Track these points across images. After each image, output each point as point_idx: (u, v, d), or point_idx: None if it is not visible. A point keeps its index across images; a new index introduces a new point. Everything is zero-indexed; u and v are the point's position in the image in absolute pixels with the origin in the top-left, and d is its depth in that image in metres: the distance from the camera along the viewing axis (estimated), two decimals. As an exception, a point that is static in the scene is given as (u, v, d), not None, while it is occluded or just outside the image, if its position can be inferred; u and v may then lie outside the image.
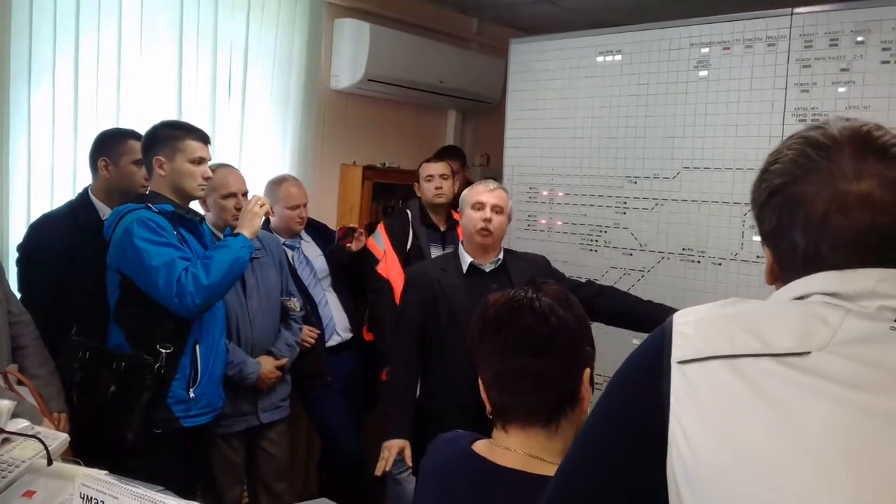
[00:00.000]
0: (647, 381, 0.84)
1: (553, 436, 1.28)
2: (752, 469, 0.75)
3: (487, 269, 2.71)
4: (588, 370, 1.31)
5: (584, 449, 0.92)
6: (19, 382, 2.27)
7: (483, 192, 2.70)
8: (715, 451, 0.77)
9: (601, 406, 0.91)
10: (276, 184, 3.28)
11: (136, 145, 2.62)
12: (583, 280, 3.00)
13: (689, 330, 0.84)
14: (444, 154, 3.98)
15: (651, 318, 2.59)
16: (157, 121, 2.59)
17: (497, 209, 2.68)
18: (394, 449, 2.54)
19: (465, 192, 2.79)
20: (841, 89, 2.73)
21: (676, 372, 0.82)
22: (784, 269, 0.89)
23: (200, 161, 2.50)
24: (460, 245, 2.79)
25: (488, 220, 2.64)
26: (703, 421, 0.78)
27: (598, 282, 3.20)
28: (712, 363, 0.80)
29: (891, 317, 0.78)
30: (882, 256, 0.82)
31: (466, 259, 2.72)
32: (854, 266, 0.82)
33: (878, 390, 0.74)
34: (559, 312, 1.30)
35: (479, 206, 2.67)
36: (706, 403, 0.79)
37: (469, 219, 2.69)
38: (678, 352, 0.82)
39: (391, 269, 3.39)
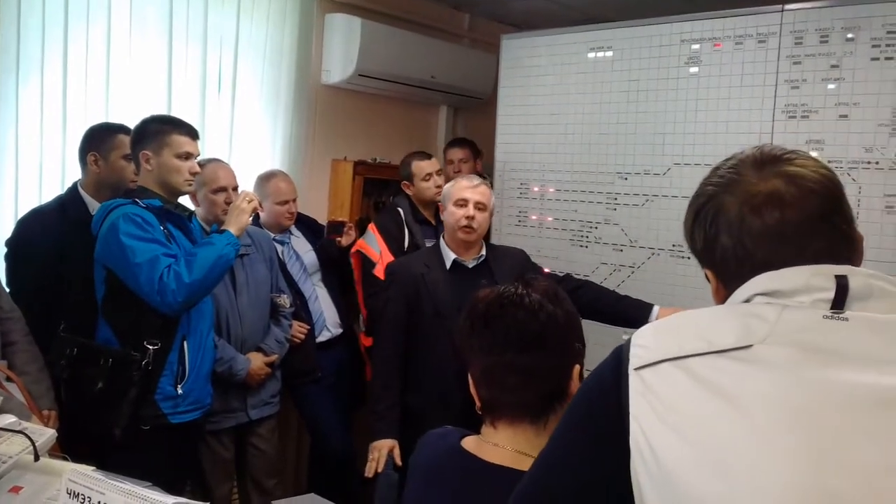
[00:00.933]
0: (609, 390, 0.90)
1: (541, 432, 1.28)
2: (707, 457, 0.80)
3: (470, 265, 2.70)
4: (577, 366, 1.31)
5: (551, 459, 0.97)
6: (8, 379, 2.26)
7: (466, 189, 2.68)
8: (673, 446, 0.82)
9: (568, 416, 0.98)
10: (265, 179, 3.27)
11: (126, 140, 2.60)
12: (561, 274, 3.00)
13: (644, 341, 0.91)
14: (458, 143, 4.13)
15: (630, 313, 2.61)
16: (146, 115, 2.57)
17: (480, 206, 2.67)
18: (384, 449, 2.53)
19: (447, 187, 2.79)
20: (831, 86, 2.74)
21: (634, 378, 0.88)
22: (725, 280, 0.96)
23: (188, 156, 2.48)
24: (441, 240, 2.78)
25: (471, 218, 2.64)
26: (660, 420, 0.84)
27: (589, 278, 3.21)
28: (664, 365, 0.87)
29: (825, 307, 0.84)
30: (803, 247, 0.88)
31: (450, 255, 2.71)
32: (783, 258, 0.89)
33: (816, 367, 0.80)
34: (548, 308, 1.30)
35: (462, 202, 2.66)
36: (662, 403, 0.85)
37: (452, 215, 2.68)
38: (635, 360, 0.90)
39: None
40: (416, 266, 2.72)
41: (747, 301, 0.90)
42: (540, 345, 1.28)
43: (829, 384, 0.79)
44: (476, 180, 2.75)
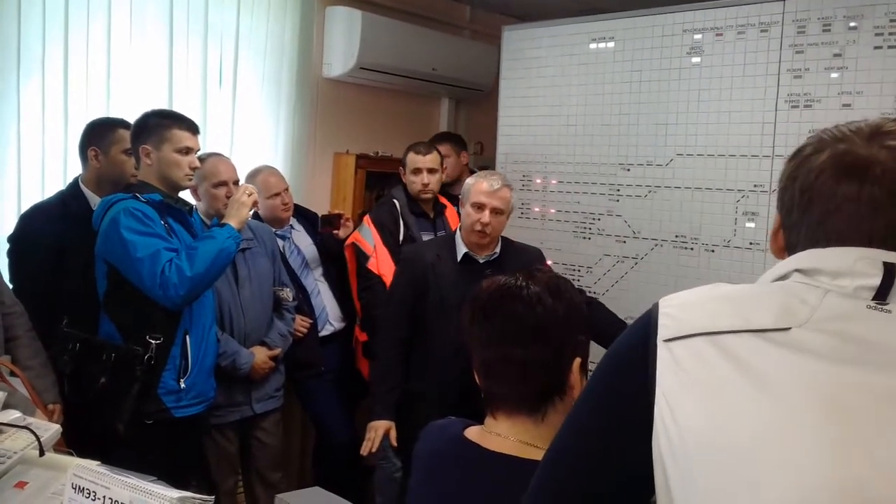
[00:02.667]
0: (635, 360, 0.86)
1: (539, 424, 1.28)
2: (733, 440, 0.77)
3: (482, 261, 2.70)
4: (578, 359, 1.30)
5: (573, 430, 0.94)
6: (12, 374, 2.26)
7: (485, 193, 2.63)
8: (699, 425, 0.79)
9: (589, 388, 0.94)
10: (252, 176, 3.24)
11: (126, 134, 2.60)
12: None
13: (674, 311, 0.87)
14: (437, 140, 3.88)
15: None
16: (146, 111, 2.57)
17: (497, 211, 2.63)
18: (380, 430, 2.58)
19: (468, 183, 2.71)
20: (834, 75, 2.73)
21: (663, 350, 0.84)
22: (785, 228, 0.92)
23: (188, 151, 2.48)
24: (458, 232, 2.77)
25: (486, 224, 2.61)
26: (687, 396, 0.81)
27: (592, 269, 3.21)
28: (696, 340, 0.83)
29: (867, 295, 0.80)
30: (861, 223, 0.84)
31: (462, 248, 2.71)
32: (838, 227, 0.85)
33: (854, 363, 0.77)
34: (547, 302, 1.30)
35: (479, 206, 2.63)
36: (691, 379, 0.82)
37: (468, 216, 2.66)
38: (664, 331, 0.85)
39: (382, 264, 3.25)
40: (429, 254, 2.73)
41: (785, 277, 0.87)
42: (537, 338, 1.28)
43: (867, 377, 0.76)
44: (497, 182, 2.66)
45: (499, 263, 2.66)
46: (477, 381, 1.37)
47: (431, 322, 2.64)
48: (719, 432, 0.78)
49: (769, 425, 0.76)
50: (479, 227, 2.61)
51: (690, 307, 0.87)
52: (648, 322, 0.88)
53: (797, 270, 0.86)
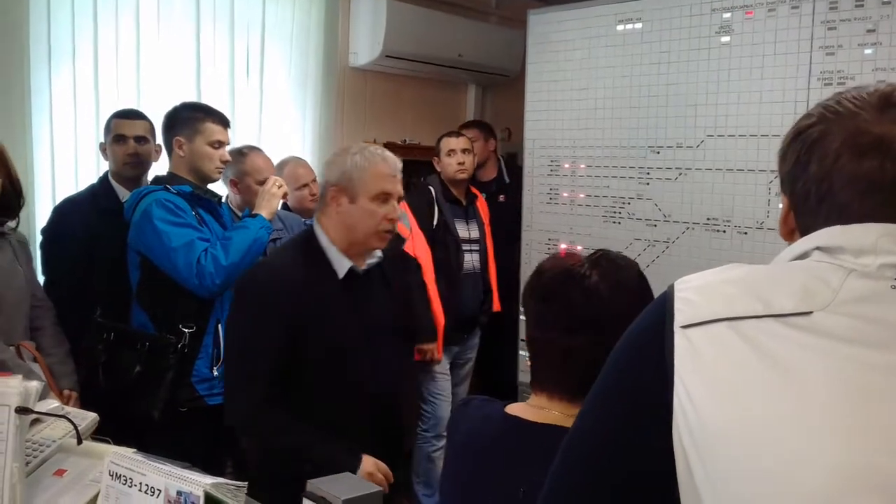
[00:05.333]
0: (650, 347, 0.84)
1: (578, 406, 1.28)
2: (755, 429, 0.75)
3: (361, 271, 2.04)
4: None
5: (587, 418, 0.92)
6: (34, 360, 2.32)
7: (392, 178, 2.04)
8: (720, 414, 0.77)
9: (605, 374, 0.91)
10: (280, 167, 3.27)
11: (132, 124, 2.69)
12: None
13: (690, 295, 0.84)
14: (464, 127, 3.98)
15: None
16: (176, 103, 2.61)
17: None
18: (375, 470, 1.91)
19: (359, 168, 2.01)
20: (867, 51, 2.66)
21: (680, 336, 0.81)
22: (799, 213, 0.89)
23: (219, 144, 2.53)
24: (323, 237, 2.00)
25: (392, 221, 2.03)
26: (707, 384, 0.78)
27: (622, 253, 3.18)
28: (715, 326, 0.80)
29: (891, 275, 0.77)
30: (890, 202, 0.81)
31: (343, 262, 1.99)
32: (864, 209, 0.81)
33: (880, 346, 0.74)
34: (604, 294, 1.28)
35: (385, 196, 2.01)
36: (710, 366, 0.79)
37: (367, 212, 1.98)
38: (680, 316, 0.82)
39: (418, 247, 3.39)
40: (295, 275, 1.94)
41: (804, 256, 0.84)
42: (586, 329, 1.26)
43: (892, 361, 0.74)
44: (399, 164, 2.11)
45: (381, 268, 2.12)
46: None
47: (323, 367, 1.94)
48: (741, 420, 0.76)
49: (792, 413, 0.74)
50: (387, 227, 2.02)
51: (707, 290, 0.84)
52: (664, 306, 0.85)
53: (818, 248, 0.83)
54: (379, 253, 2.08)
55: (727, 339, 0.79)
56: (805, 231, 0.87)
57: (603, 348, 1.26)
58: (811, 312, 0.77)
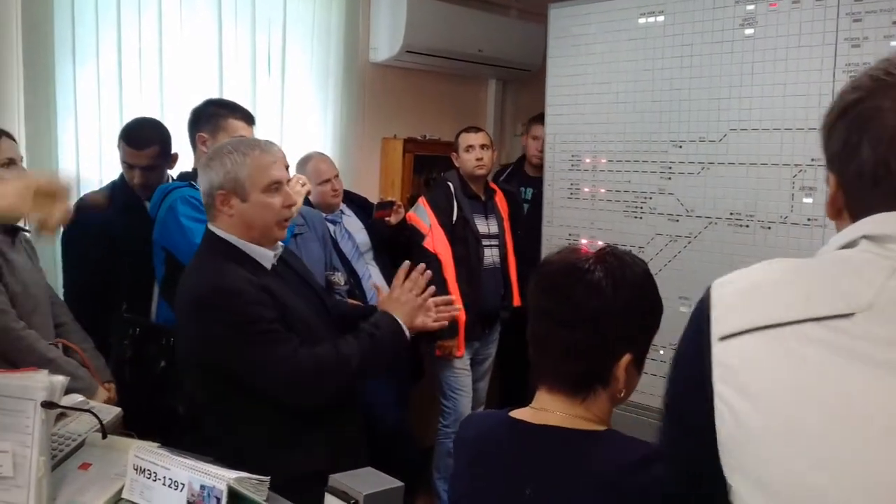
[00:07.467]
0: (690, 358, 0.82)
1: (578, 404, 1.27)
2: (799, 442, 0.72)
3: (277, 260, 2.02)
4: (629, 355, 1.27)
5: (664, 418, 0.92)
6: (67, 354, 2.35)
7: (276, 165, 1.97)
8: (762, 427, 0.74)
9: (669, 373, 0.90)
10: (303, 163, 3.30)
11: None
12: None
13: (728, 300, 0.81)
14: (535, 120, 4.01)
15: None
16: (199, 100, 2.62)
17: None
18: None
19: (246, 166, 1.92)
20: (894, 43, 2.62)
21: (717, 348, 0.79)
22: (850, 195, 0.82)
23: None
24: (231, 237, 1.93)
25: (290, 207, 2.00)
26: (746, 396, 0.76)
27: (644, 249, 3.17)
28: (753, 336, 0.77)
29: None
30: None
31: (265, 253, 1.96)
32: None
33: None
34: (608, 291, 1.26)
35: (276, 185, 1.95)
36: (749, 378, 0.76)
37: (263, 206, 1.92)
38: (717, 327, 0.79)
39: (438, 243, 3.40)
40: (238, 275, 1.87)
41: (852, 245, 0.78)
42: (586, 325, 1.25)
43: None
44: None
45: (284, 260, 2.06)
46: None
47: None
48: (785, 434, 0.73)
49: (834, 424, 0.71)
50: (285, 215, 1.97)
51: (745, 295, 0.81)
52: (701, 314, 0.82)
53: (865, 237, 0.77)
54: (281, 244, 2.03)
55: (765, 348, 0.76)
56: (856, 216, 0.81)
57: (602, 343, 1.26)
58: (853, 314, 0.72)
